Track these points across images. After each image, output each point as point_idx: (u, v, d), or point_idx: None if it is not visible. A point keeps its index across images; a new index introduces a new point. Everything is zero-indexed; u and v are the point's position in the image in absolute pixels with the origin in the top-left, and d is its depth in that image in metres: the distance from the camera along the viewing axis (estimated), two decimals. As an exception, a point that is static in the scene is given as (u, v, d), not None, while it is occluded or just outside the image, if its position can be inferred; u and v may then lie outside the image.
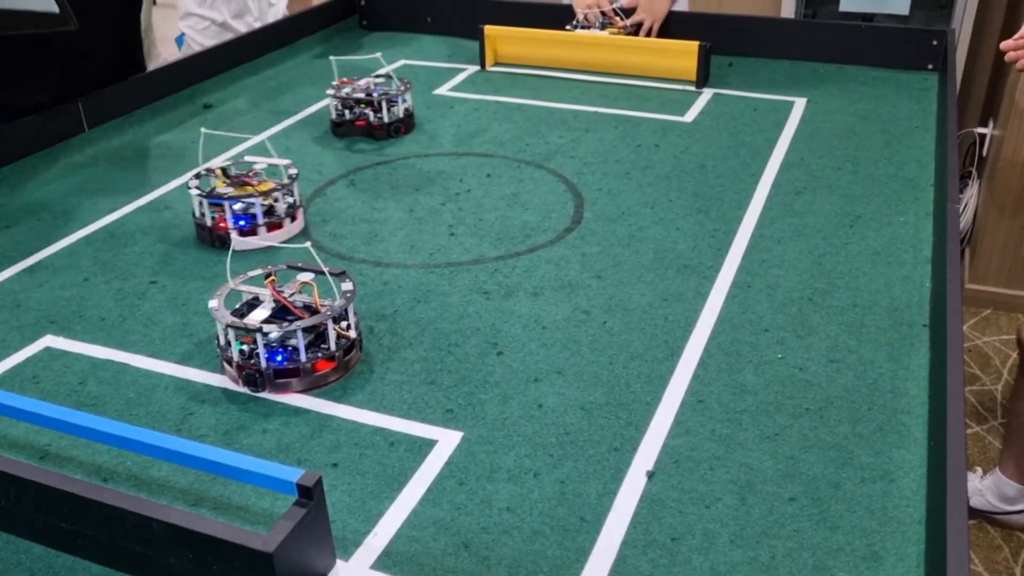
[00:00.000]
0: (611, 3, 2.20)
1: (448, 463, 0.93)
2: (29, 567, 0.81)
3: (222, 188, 1.37)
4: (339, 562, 0.81)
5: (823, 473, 0.90)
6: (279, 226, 1.38)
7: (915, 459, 0.92)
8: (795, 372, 1.05)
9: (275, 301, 1.07)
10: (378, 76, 1.82)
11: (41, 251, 1.37)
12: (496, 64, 2.19)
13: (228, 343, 1.05)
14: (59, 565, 0.81)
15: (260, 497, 0.88)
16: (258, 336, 1.02)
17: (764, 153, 1.65)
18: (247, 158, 1.45)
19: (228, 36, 2.42)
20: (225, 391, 1.04)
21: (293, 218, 1.40)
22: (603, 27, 2.18)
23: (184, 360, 1.10)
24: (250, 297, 1.09)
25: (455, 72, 2.14)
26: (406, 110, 1.78)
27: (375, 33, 2.46)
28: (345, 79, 1.80)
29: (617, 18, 2.19)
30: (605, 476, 0.91)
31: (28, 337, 1.16)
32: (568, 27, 2.20)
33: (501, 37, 2.17)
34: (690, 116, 1.84)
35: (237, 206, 1.35)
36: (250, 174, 1.40)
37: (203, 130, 1.52)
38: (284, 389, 1.04)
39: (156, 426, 0.99)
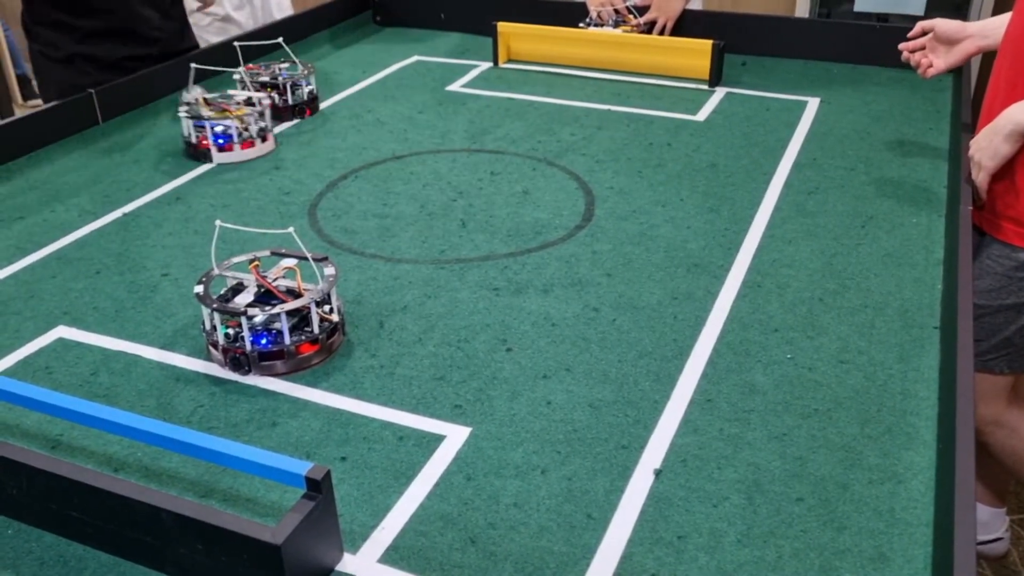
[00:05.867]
0: (624, 1, 2.20)
1: (456, 458, 0.93)
2: (40, 555, 0.82)
3: (206, 113, 1.65)
4: (347, 555, 0.81)
5: (831, 474, 0.90)
6: (251, 144, 1.65)
7: (924, 461, 0.91)
8: (804, 372, 1.05)
9: (259, 286, 1.09)
10: (283, 62, 1.89)
11: (54, 243, 1.38)
12: (509, 61, 2.19)
13: (214, 327, 1.06)
14: (69, 554, 0.82)
15: (269, 490, 0.89)
16: (243, 319, 1.04)
17: (776, 153, 1.65)
18: (230, 92, 1.73)
19: (232, 29, 2.43)
20: (236, 384, 1.05)
21: (264, 139, 1.67)
22: (616, 25, 2.18)
23: (195, 353, 1.11)
24: (235, 282, 1.11)
25: (468, 68, 2.14)
26: (310, 92, 1.86)
27: (388, 29, 2.47)
28: (251, 65, 1.89)
29: (630, 16, 2.19)
30: (612, 473, 0.91)
31: (41, 328, 1.17)
32: (581, 25, 2.20)
33: (514, 34, 2.17)
34: (702, 115, 1.83)
35: (218, 127, 1.62)
36: (231, 103, 1.68)
37: (193, 65, 1.73)
38: (269, 371, 1.05)
39: (167, 417, 1.00)
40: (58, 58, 1.88)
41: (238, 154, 1.64)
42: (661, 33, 2.16)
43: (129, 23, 1.91)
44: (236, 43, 1.91)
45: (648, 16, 2.17)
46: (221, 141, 1.62)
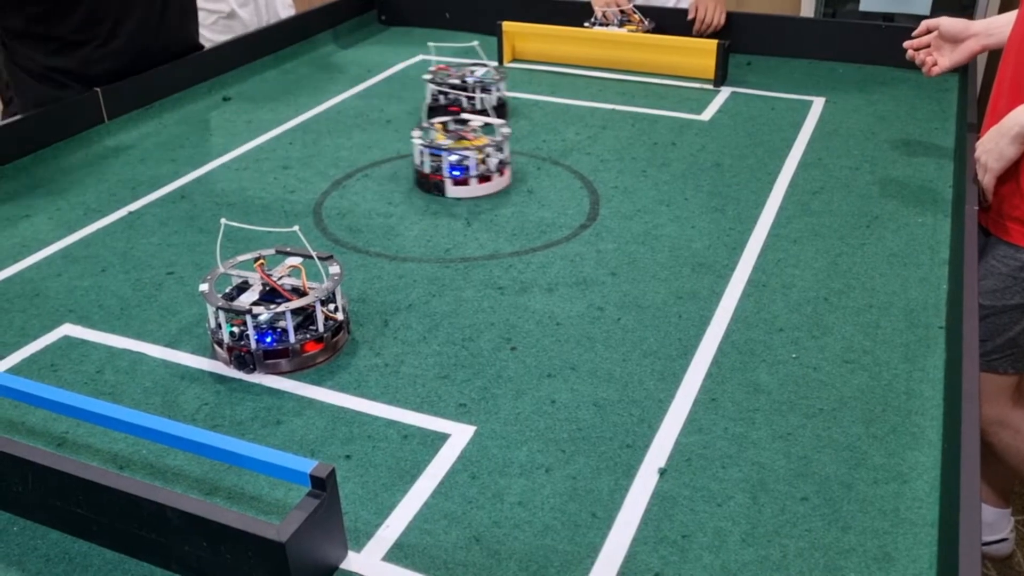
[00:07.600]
0: (629, 1, 2.20)
1: (460, 457, 0.93)
2: (45, 552, 0.82)
3: (441, 140, 1.49)
4: (351, 553, 0.81)
5: (836, 473, 0.90)
6: (489, 179, 1.49)
7: (929, 461, 0.91)
8: (809, 372, 1.05)
9: (264, 284, 1.09)
10: (476, 64, 1.86)
11: (60, 241, 1.38)
12: (514, 60, 2.19)
13: (219, 325, 1.06)
14: (74, 551, 0.82)
15: (274, 487, 0.89)
16: (248, 318, 1.04)
17: (781, 152, 1.64)
18: (464, 116, 1.59)
19: (236, 27, 2.43)
20: (241, 382, 1.05)
21: (502, 172, 1.51)
22: (621, 24, 2.18)
23: (200, 351, 1.11)
24: (240, 281, 1.11)
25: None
26: (499, 98, 1.79)
27: (393, 28, 2.47)
28: (442, 65, 1.84)
29: (635, 15, 2.18)
30: (617, 472, 0.91)
31: (47, 326, 1.17)
32: (586, 24, 2.20)
33: (519, 34, 2.17)
34: (707, 114, 1.83)
35: (452, 157, 1.47)
36: (468, 130, 1.53)
37: (430, 84, 1.74)
38: (274, 370, 1.05)
39: (172, 415, 1.00)
40: (35, 72, 1.76)
41: (473, 189, 1.48)
42: (706, 30, 2.13)
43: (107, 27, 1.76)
44: (430, 43, 1.90)
45: (693, 13, 2.14)
46: (457, 173, 1.47)
